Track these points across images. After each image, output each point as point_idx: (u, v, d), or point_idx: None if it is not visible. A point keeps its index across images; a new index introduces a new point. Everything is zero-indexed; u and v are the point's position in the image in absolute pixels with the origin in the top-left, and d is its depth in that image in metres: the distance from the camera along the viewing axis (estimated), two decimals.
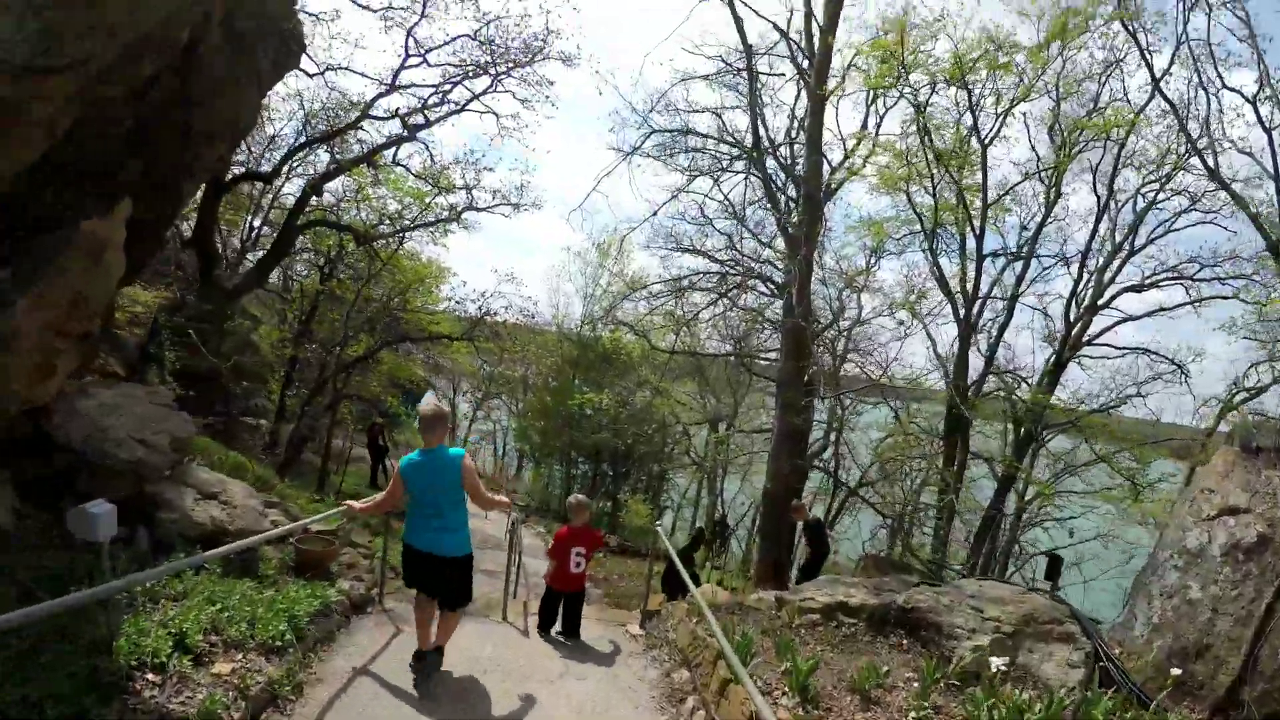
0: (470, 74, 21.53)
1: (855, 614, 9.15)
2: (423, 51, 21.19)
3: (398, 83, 20.98)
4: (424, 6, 20.91)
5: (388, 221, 21.26)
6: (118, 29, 7.90)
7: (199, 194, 16.08)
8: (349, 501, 8.16)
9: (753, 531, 26.57)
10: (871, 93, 20.13)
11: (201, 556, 6.90)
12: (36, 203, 9.59)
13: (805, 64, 20.37)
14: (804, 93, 20.76)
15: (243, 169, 21.13)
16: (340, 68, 20.75)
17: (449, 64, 21.70)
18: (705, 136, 21.96)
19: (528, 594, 11.50)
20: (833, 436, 22.73)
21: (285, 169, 21.27)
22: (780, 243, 21.62)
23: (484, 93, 21.84)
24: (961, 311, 20.42)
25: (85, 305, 8.95)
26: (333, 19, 24.55)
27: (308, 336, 21.48)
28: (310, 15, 20.84)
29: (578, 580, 9.37)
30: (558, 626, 9.41)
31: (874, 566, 13.86)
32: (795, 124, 21.46)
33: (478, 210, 22.51)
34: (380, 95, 20.64)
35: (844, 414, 21.47)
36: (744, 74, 21.07)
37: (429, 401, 8.03)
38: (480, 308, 21.48)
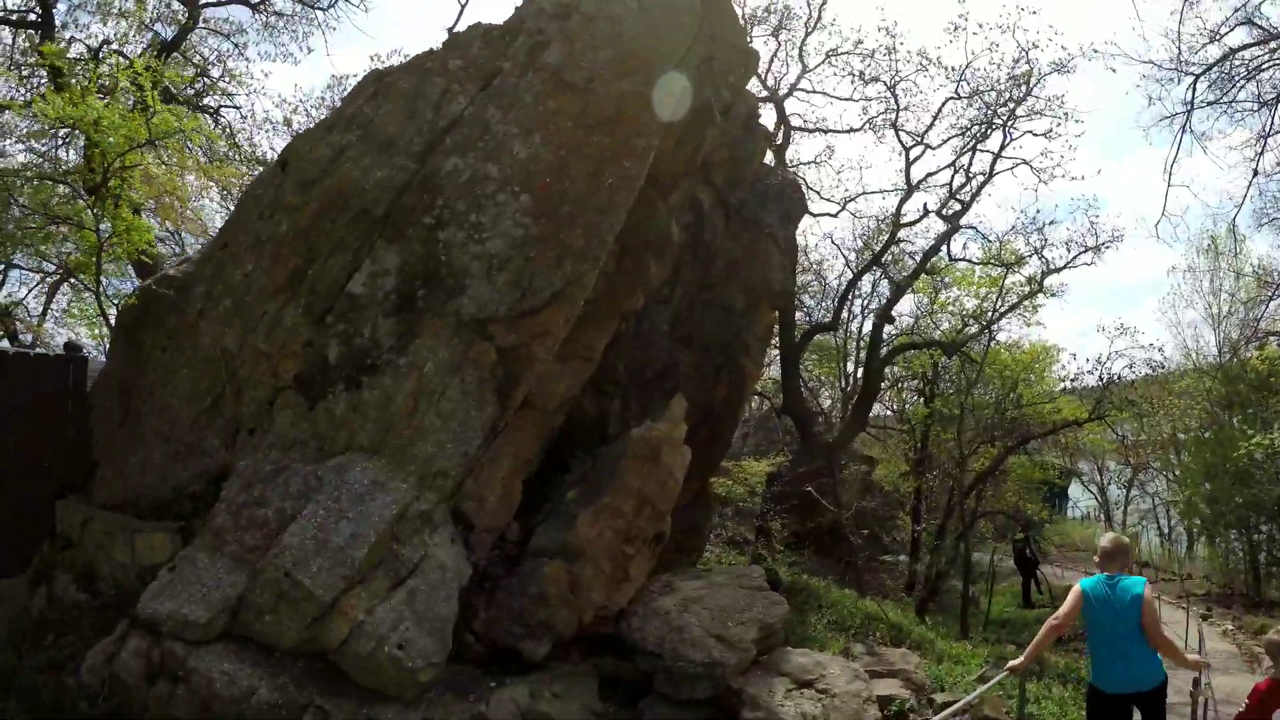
0: (979, 136, 19.92)
1: None
2: (919, 139, 20.22)
3: (913, 180, 20.05)
4: (895, 98, 20.12)
5: (972, 321, 19.88)
6: (586, 253, 8.27)
7: (772, 363, 16.75)
8: (1009, 664, 7.28)
9: None
10: None
11: None
12: (603, 417, 10.42)
13: None
14: None
15: (811, 323, 21.59)
16: (857, 196, 20.34)
17: (952, 137, 20.39)
18: (1253, 46, 16.24)
19: None
20: None
21: (849, 309, 21.36)
22: None
23: (1003, 147, 19.99)
24: None
25: (651, 507, 9.22)
26: (828, 158, 24.73)
27: (926, 464, 20.55)
28: (804, 164, 21.30)
29: None
30: None
31: None
32: None
33: (1056, 271, 20.14)
34: (904, 199, 19.93)
35: None
36: None
37: (1109, 536, 7.05)
38: (1099, 376, 18.54)
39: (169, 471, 8.62)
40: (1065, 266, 20.08)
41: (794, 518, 16.87)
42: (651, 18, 8.63)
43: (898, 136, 20.33)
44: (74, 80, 9.27)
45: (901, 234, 20.66)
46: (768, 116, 19.24)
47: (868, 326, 23.25)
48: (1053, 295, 20.77)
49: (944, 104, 20.54)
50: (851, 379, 25.28)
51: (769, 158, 16.35)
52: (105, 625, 7.67)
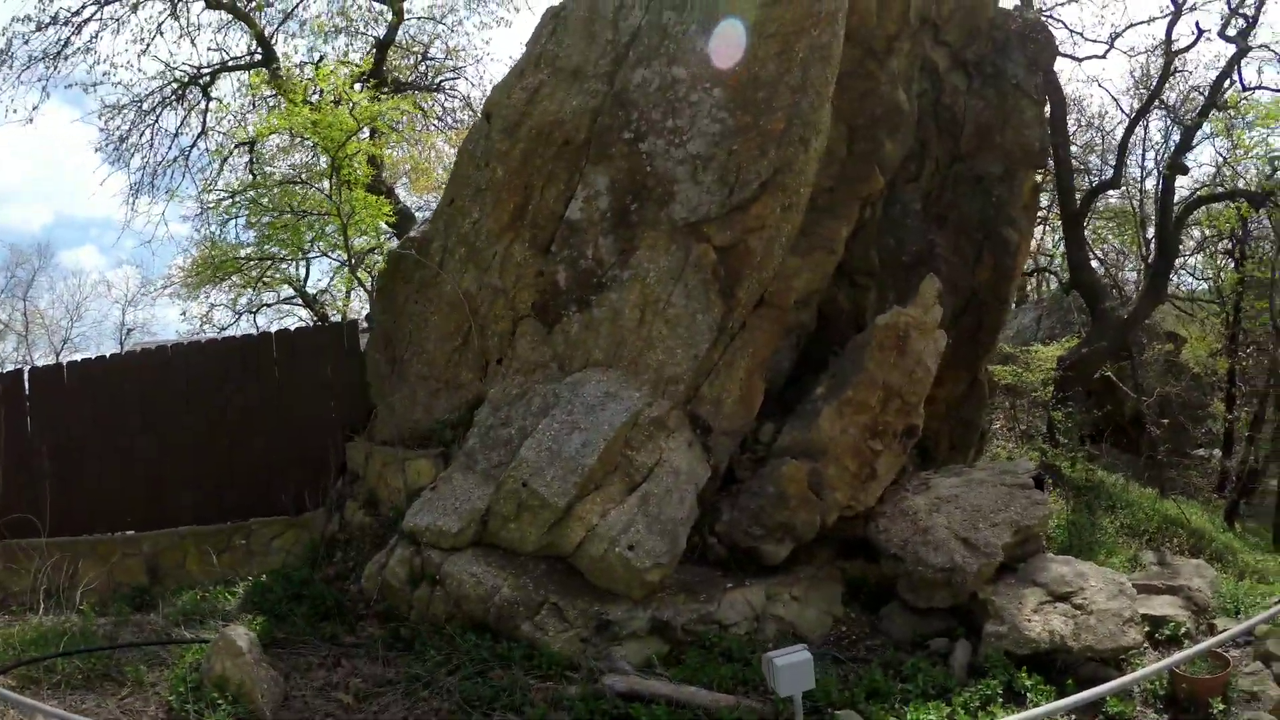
0: None
1: None
2: None
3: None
4: None
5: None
6: (789, 135, 8.00)
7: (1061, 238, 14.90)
8: None
9: None
10: None
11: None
12: (858, 310, 10.09)
13: None
14: None
15: (1094, 182, 19.04)
16: (1125, 29, 17.41)
17: None
18: None
19: None
20: None
21: (1140, 164, 18.48)
22: None
23: None
24: None
25: (899, 399, 8.81)
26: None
27: (1240, 340, 17.61)
28: (1059, 5, 18.75)
29: None
30: None
31: None
32: None
33: None
34: (1173, 21, 16.65)
35: None
36: None
37: None
38: None
39: (431, 406, 9.37)
40: None
41: (1088, 405, 15.32)
42: None
43: None
44: (300, 98, 10.51)
45: (1185, 68, 17.58)
46: None
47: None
48: None
49: None
50: (1152, 245, 21.96)
51: (1011, 2, 14.66)
52: (382, 542, 8.61)
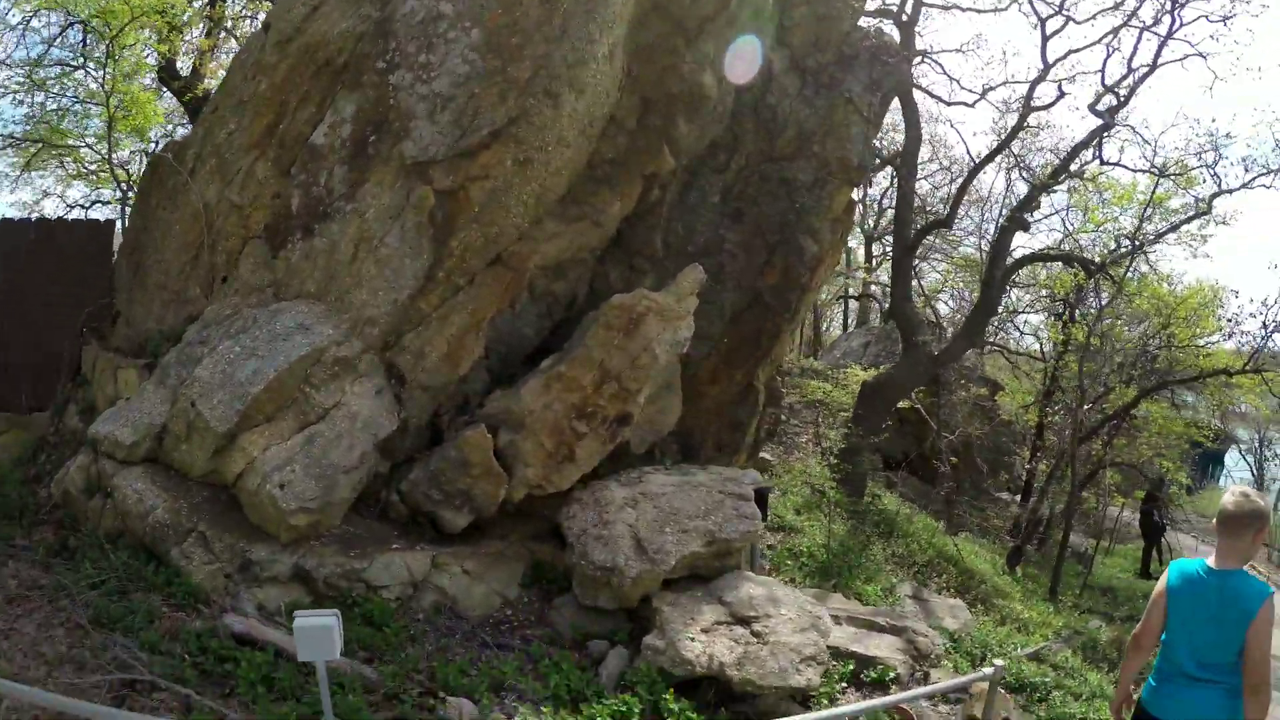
0: (1140, 17, 16.13)
1: None
2: (1057, 8, 16.46)
3: (1049, 58, 16.65)
4: None
5: (1124, 242, 16.69)
6: (534, 86, 7.74)
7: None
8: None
9: None
10: None
11: None
12: (627, 291, 9.82)
13: None
14: None
15: (929, 218, 19.09)
16: (999, 85, 17.40)
17: (1103, 11, 16.65)
18: None
19: None
20: None
21: (991, 217, 18.75)
22: None
23: (1173, 30, 15.87)
24: None
25: (616, 384, 8.41)
26: (976, 46, 20.68)
27: (1054, 397, 17.93)
28: (945, 51, 18.67)
29: None
30: None
31: None
32: None
33: (1229, 193, 16.34)
34: (1038, 80, 16.57)
35: None
36: None
37: (1235, 493, 4.95)
38: (1263, 322, 14.90)
39: (162, 317, 8.98)
40: (1240, 188, 16.25)
41: (900, 433, 15.40)
42: None
43: (1031, 4, 16.75)
44: None
45: (1053, 126, 17.58)
46: None
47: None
48: (1222, 223, 17.49)
49: None
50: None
51: (892, 34, 14.52)
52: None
